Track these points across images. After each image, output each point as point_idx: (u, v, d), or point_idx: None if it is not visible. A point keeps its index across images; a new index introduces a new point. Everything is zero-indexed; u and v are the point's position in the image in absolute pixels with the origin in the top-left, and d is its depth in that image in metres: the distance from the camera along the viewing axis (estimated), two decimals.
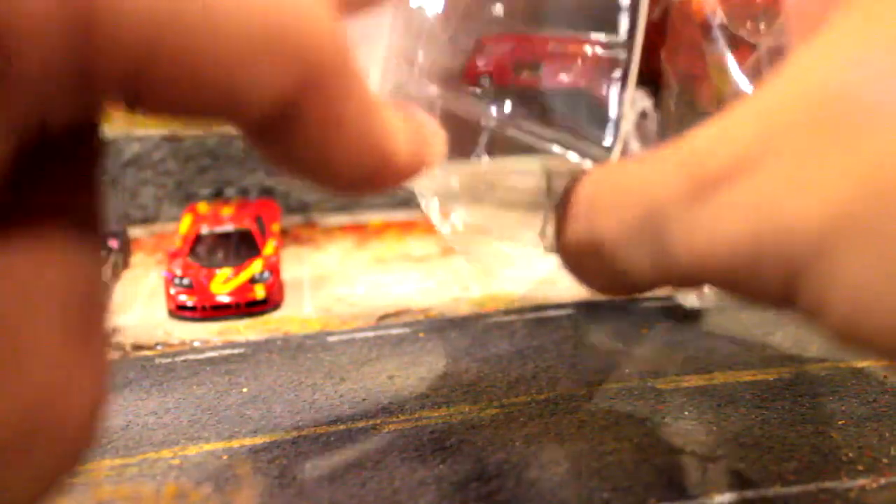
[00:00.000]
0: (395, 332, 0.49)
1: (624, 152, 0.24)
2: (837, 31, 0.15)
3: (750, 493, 0.32)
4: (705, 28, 0.28)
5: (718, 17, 0.27)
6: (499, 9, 0.30)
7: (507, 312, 0.52)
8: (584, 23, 0.30)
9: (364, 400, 0.40)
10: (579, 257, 0.21)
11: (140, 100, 0.13)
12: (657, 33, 0.29)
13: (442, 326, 0.49)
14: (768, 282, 0.15)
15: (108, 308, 0.15)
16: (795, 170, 0.15)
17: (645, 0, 0.25)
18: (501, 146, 0.30)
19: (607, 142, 0.24)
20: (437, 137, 0.19)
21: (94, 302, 0.15)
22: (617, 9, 0.29)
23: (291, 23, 0.13)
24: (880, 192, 0.13)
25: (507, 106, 0.30)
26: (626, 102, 0.24)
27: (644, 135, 0.24)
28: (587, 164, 0.24)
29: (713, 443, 0.35)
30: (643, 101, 0.24)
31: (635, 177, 0.19)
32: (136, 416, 0.39)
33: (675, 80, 0.28)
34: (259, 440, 0.37)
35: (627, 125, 0.24)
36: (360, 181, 0.16)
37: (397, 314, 0.52)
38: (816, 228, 0.14)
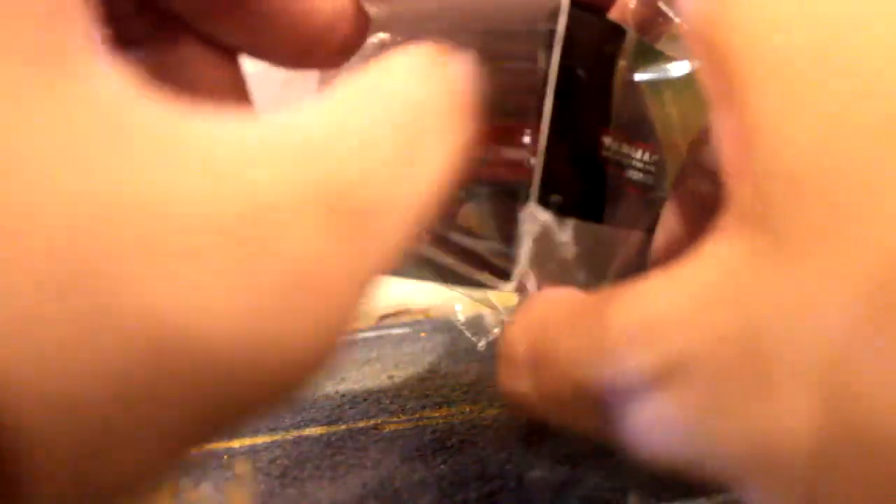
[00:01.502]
0: (395, 332, 0.49)
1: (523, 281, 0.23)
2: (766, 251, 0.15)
3: None
4: None
5: None
6: None
7: (508, 312, 0.52)
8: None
9: (365, 400, 0.40)
10: (523, 407, 0.20)
11: None
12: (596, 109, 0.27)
13: (442, 326, 0.49)
14: (710, 480, 0.16)
15: None
16: (714, 395, 0.15)
17: (549, 101, 0.24)
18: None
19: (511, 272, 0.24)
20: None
21: None
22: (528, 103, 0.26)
23: None
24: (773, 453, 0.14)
25: None
26: (523, 220, 0.23)
27: (548, 255, 0.23)
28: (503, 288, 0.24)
29: None
30: (542, 216, 0.23)
31: (566, 348, 0.18)
32: None
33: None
34: (260, 440, 0.37)
35: (524, 248, 0.23)
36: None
37: (397, 314, 0.52)
38: (729, 458, 0.15)
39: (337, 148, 0.13)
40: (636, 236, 0.27)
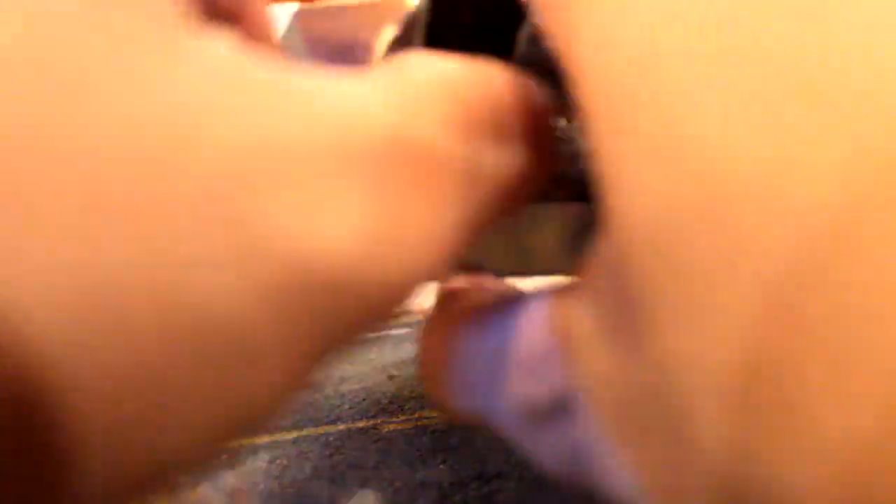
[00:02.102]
0: (395, 332, 0.49)
1: None
2: None
3: None
4: None
5: None
6: None
7: None
8: None
9: (364, 400, 0.40)
10: (449, 414, 0.21)
11: None
12: None
13: None
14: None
15: None
16: (603, 429, 0.15)
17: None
18: None
19: None
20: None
21: None
22: None
23: None
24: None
25: None
26: None
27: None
28: None
29: None
30: None
31: (471, 366, 0.19)
32: None
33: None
34: (259, 440, 0.37)
35: None
36: None
37: (397, 314, 0.52)
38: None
39: (433, 107, 0.14)
40: (572, 209, 0.25)
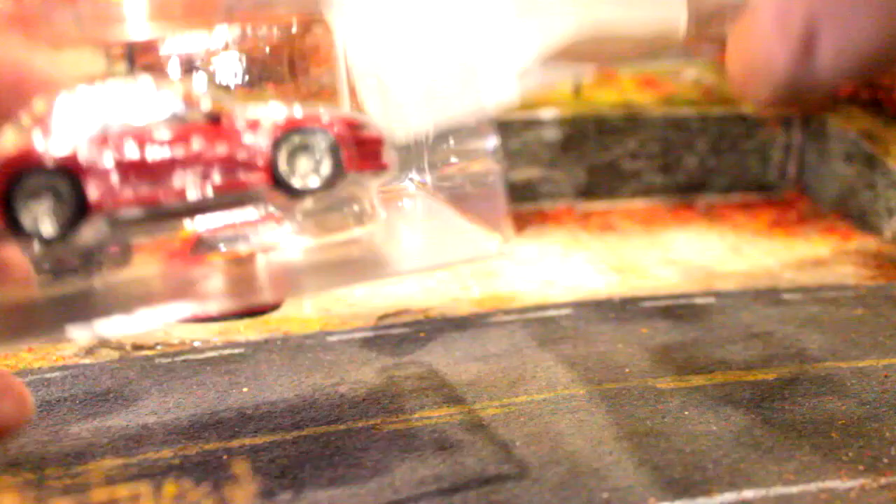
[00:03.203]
0: (395, 332, 0.49)
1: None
2: None
3: (750, 493, 0.32)
4: None
5: None
6: None
7: (506, 312, 0.52)
8: None
9: (364, 400, 0.40)
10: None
11: None
12: None
13: (442, 326, 0.49)
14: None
15: None
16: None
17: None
18: None
19: None
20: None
21: None
22: None
23: None
24: None
25: None
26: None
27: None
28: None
29: (713, 443, 0.35)
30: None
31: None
32: (137, 416, 0.39)
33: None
34: (259, 440, 0.37)
35: None
36: None
37: (397, 314, 0.52)
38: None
39: None
40: None
